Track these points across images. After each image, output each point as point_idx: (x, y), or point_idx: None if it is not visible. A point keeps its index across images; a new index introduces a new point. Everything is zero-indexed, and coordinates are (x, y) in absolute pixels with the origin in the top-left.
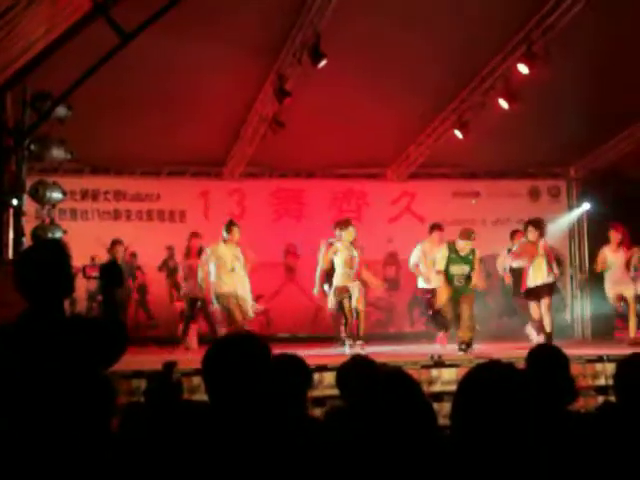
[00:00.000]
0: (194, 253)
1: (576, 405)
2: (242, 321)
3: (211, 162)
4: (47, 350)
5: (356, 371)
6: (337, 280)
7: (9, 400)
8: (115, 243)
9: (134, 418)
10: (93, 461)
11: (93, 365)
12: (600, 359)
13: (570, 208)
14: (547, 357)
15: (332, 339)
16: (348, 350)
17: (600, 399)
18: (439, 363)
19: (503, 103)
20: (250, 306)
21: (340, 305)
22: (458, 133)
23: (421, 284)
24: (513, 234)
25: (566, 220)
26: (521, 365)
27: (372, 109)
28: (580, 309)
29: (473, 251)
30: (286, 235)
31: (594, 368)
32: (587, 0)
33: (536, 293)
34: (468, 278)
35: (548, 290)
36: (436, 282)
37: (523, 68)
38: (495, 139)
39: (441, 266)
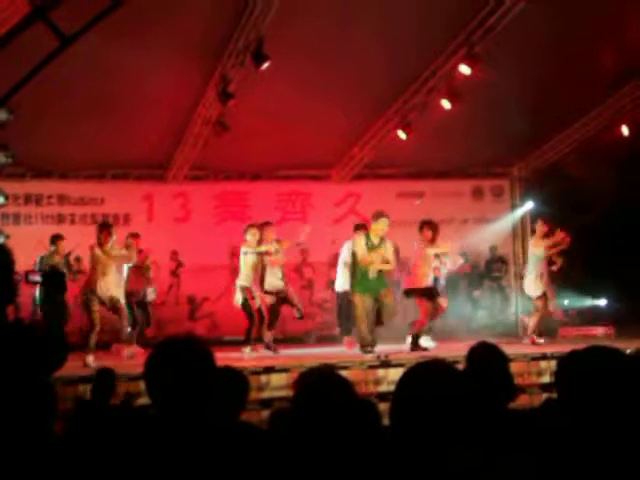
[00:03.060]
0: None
1: (521, 402)
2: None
3: (155, 165)
4: None
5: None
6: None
7: None
8: (57, 238)
9: (76, 423)
10: (33, 466)
11: (34, 370)
12: (544, 357)
13: (513, 207)
14: (485, 355)
15: (279, 341)
16: (248, 355)
17: (545, 396)
18: (385, 363)
19: (446, 104)
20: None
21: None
22: (402, 134)
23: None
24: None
25: (510, 219)
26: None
27: (316, 111)
28: (525, 307)
29: (385, 241)
30: (231, 237)
31: (538, 365)
32: (527, 2)
33: (431, 292)
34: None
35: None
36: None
37: (465, 69)
38: (439, 139)
39: (364, 253)
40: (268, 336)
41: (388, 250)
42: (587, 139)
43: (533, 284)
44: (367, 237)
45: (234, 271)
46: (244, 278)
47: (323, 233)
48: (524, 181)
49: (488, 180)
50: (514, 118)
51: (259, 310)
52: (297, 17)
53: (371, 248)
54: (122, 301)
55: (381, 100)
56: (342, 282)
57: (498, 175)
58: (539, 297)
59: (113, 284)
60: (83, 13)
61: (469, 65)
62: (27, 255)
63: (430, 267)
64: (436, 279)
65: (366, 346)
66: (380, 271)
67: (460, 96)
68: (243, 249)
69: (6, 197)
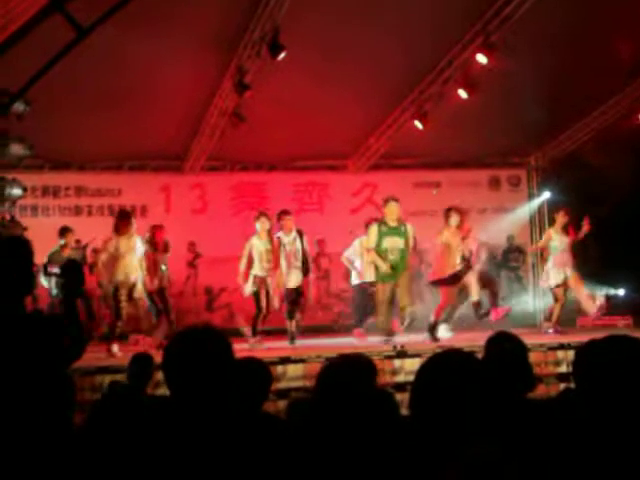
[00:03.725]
0: (160, 247)
1: (538, 392)
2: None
3: (172, 156)
4: (5, 346)
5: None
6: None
7: None
8: (66, 230)
9: (98, 413)
10: (53, 456)
11: (52, 362)
12: (561, 346)
13: (530, 197)
14: (503, 345)
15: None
16: (250, 345)
17: (562, 386)
18: (402, 353)
19: (462, 93)
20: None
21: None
22: (418, 124)
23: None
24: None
25: (527, 209)
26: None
27: (332, 101)
28: (542, 297)
29: (404, 224)
30: (248, 228)
31: (556, 355)
32: None
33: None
34: (402, 253)
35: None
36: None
37: (481, 58)
38: (455, 129)
39: (371, 244)
40: (291, 326)
41: (409, 232)
42: (605, 128)
43: (548, 274)
44: (382, 223)
45: (252, 262)
46: (258, 267)
47: (340, 223)
48: (541, 171)
49: (505, 170)
50: (531, 107)
51: (267, 305)
52: (312, 7)
53: (387, 233)
54: (140, 291)
55: (397, 90)
56: (355, 275)
57: (515, 165)
58: (557, 286)
59: (132, 274)
60: (99, 4)
61: (485, 54)
62: (44, 247)
63: (453, 256)
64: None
65: (387, 335)
66: (400, 259)
67: (477, 86)
68: (253, 240)
69: (24, 189)
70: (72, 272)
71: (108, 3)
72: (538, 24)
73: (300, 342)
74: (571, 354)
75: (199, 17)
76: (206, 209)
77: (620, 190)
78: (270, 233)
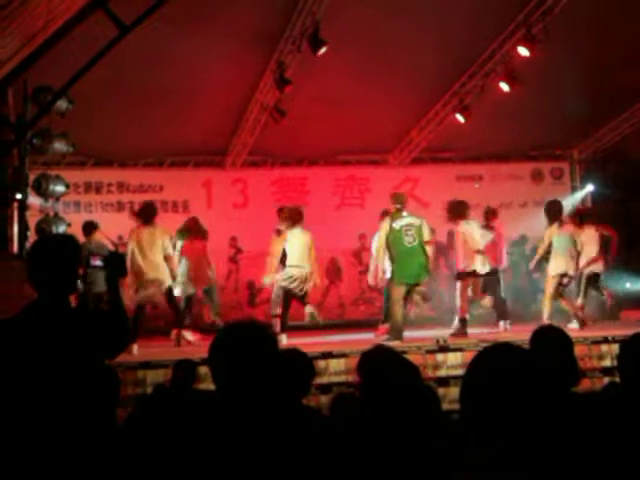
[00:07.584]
0: None
1: (582, 386)
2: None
3: (213, 152)
4: (50, 340)
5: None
6: None
7: (13, 390)
8: (91, 226)
9: (142, 409)
10: (97, 450)
11: (96, 355)
12: (605, 340)
13: (573, 190)
14: (550, 339)
15: (336, 326)
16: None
17: (606, 380)
18: (444, 347)
19: (504, 86)
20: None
21: None
22: (460, 117)
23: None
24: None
25: (570, 202)
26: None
27: (373, 95)
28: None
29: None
30: None
31: (600, 349)
32: None
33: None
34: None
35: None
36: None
37: (523, 50)
38: (497, 122)
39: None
40: None
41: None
42: None
43: None
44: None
45: None
46: None
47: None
48: (584, 163)
49: (548, 163)
50: (574, 99)
51: None
52: (353, 1)
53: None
54: None
55: (438, 84)
56: None
57: (558, 157)
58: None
59: None
60: (140, 1)
61: (527, 47)
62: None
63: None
64: None
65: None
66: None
67: (518, 78)
68: None
69: (67, 185)
70: (115, 263)
71: (150, 0)
72: (579, 16)
73: (342, 337)
74: (615, 348)
75: (241, 12)
76: (247, 204)
77: None
78: None
